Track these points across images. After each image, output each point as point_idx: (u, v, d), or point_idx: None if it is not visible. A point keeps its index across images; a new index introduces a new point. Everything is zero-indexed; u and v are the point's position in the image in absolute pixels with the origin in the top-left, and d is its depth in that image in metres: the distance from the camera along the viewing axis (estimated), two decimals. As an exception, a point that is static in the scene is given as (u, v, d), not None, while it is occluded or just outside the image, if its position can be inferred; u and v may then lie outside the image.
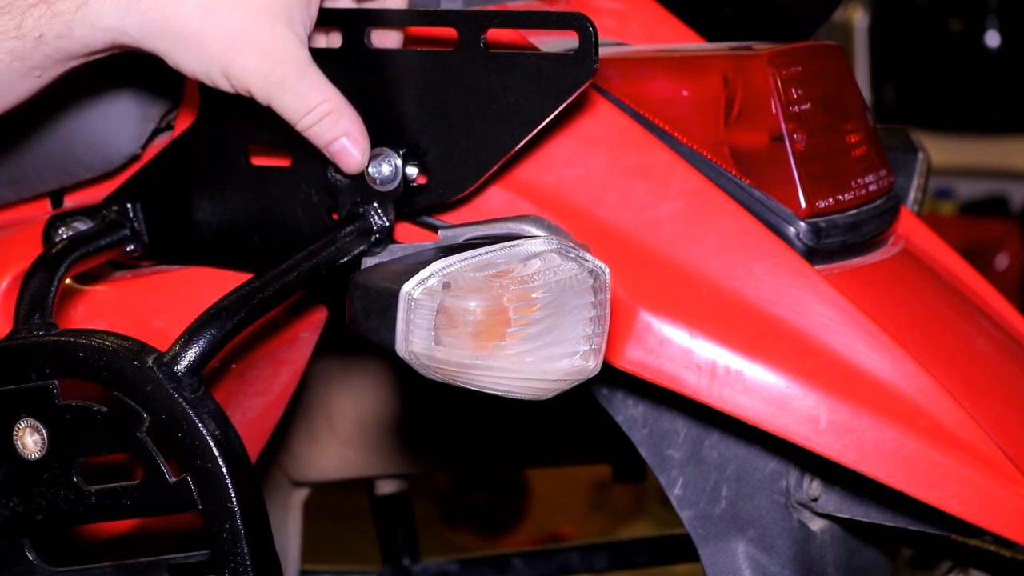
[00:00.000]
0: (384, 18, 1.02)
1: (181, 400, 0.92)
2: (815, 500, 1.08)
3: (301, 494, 1.63)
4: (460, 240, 0.98)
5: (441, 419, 1.53)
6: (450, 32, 0.99)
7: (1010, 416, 1.04)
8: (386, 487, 1.66)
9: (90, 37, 0.92)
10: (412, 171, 1.01)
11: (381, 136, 1.01)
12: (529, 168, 1.05)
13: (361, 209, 1.02)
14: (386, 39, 1.02)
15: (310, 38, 0.98)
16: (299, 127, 0.98)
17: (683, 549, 1.38)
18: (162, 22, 0.92)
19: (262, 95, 0.96)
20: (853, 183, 1.07)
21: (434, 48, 1.02)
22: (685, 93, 1.06)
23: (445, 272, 0.90)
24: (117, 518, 0.95)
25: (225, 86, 0.96)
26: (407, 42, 1.04)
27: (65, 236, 1.10)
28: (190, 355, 0.93)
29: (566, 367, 0.92)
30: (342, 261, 1.01)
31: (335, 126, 0.98)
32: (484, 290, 0.90)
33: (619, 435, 1.11)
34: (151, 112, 1.12)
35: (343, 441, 1.56)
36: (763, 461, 1.07)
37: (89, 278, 1.13)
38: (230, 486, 0.91)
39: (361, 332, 0.93)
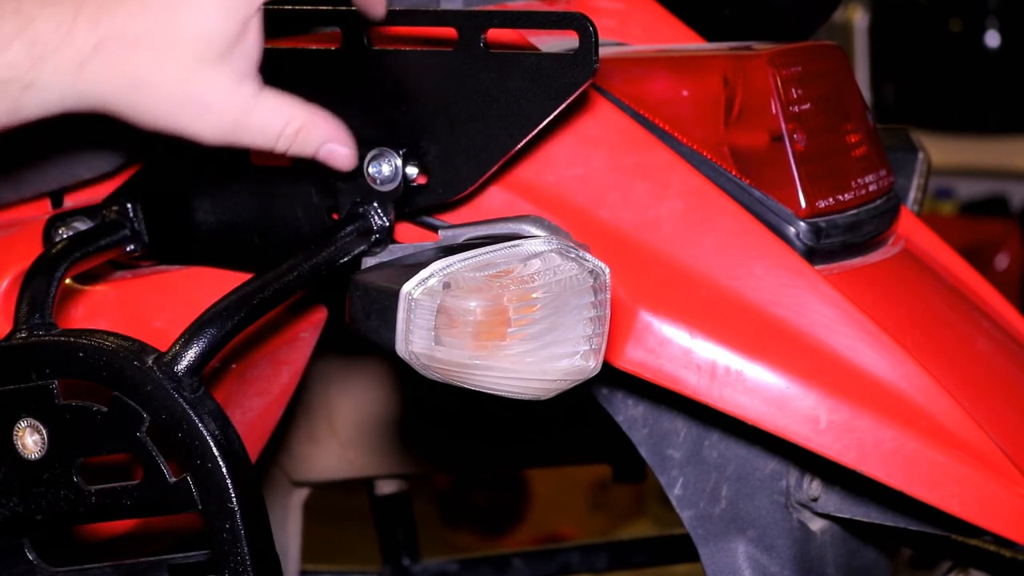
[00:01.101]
0: (384, 18, 1.02)
1: (181, 400, 0.92)
2: (815, 500, 1.08)
3: (301, 494, 1.63)
4: (460, 240, 0.98)
5: (441, 419, 1.53)
6: (450, 32, 0.99)
7: (1010, 416, 1.04)
8: (386, 487, 1.66)
9: (39, 110, 0.95)
10: (412, 171, 1.01)
11: (381, 136, 1.01)
12: (529, 168, 1.05)
13: (361, 209, 1.02)
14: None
15: None
16: (277, 152, 0.98)
17: (683, 549, 1.38)
18: (100, 97, 0.94)
19: (222, 142, 0.97)
20: (853, 183, 1.07)
21: (434, 48, 1.02)
22: (685, 93, 1.06)
23: (445, 272, 0.90)
24: (117, 518, 0.95)
25: (183, 137, 0.97)
26: (407, 42, 1.04)
27: (65, 236, 1.10)
28: (190, 355, 0.93)
29: (566, 367, 0.92)
30: (342, 261, 1.01)
31: (310, 139, 0.98)
32: (484, 290, 0.90)
33: (619, 435, 1.11)
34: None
35: (343, 441, 1.56)
36: (763, 461, 1.07)
37: (89, 278, 1.13)
38: (230, 486, 0.91)
39: (361, 332, 0.92)
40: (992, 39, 3.51)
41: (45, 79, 0.93)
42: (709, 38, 1.23)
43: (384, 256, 1.02)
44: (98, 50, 0.93)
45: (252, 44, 0.95)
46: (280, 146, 0.97)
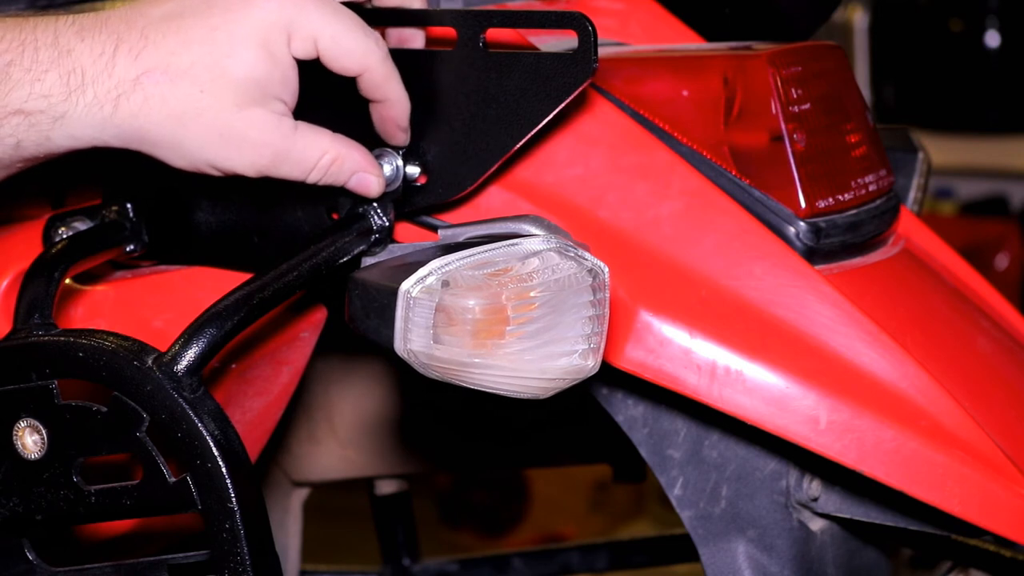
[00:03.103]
0: (384, 18, 1.02)
1: (181, 400, 0.92)
2: (815, 500, 1.08)
3: (301, 494, 1.63)
4: (460, 239, 0.98)
5: (441, 419, 1.53)
6: (449, 32, 0.99)
7: (1010, 416, 1.04)
8: (386, 487, 1.66)
9: (70, 143, 0.95)
10: (412, 171, 1.01)
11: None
12: (529, 168, 1.05)
13: (361, 209, 1.02)
14: (413, 39, 1.03)
15: None
16: (309, 183, 0.99)
17: (683, 549, 1.38)
18: (138, 131, 0.94)
19: (257, 175, 0.97)
20: (853, 183, 1.07)
21: (434, 48, 1.02)
22: (685, 93, 1.06)
23: (444, 270, 0.90)
24: (117, 518, 0.95)
25: (217, 175, 0.97)
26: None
27: (65, 236, 1.10)
28: (190, 355, 0.93)
29: (565, 366, 0.92)
30: (342, 261, 1.01)
31: (342, 170, 0.99)
32: (483, 288, 0.90)
33: (619, 435, 1.11)
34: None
35: (343, 441, 1.56)
36: (763, 461, 1.07)
37: (89, 278, 1.13)
38: (230, 486, 0.91)
39: (360, 330, 0.92)
40: (992, 39, 3.52)
41: (79, 111, 0.93)
42: (709, 38, 1.23)
43: (384, 256, 1.02)
44: (138, 83, 0.93)
45: (292, 87, 0.96)
46: (313, 177, 0.98)
